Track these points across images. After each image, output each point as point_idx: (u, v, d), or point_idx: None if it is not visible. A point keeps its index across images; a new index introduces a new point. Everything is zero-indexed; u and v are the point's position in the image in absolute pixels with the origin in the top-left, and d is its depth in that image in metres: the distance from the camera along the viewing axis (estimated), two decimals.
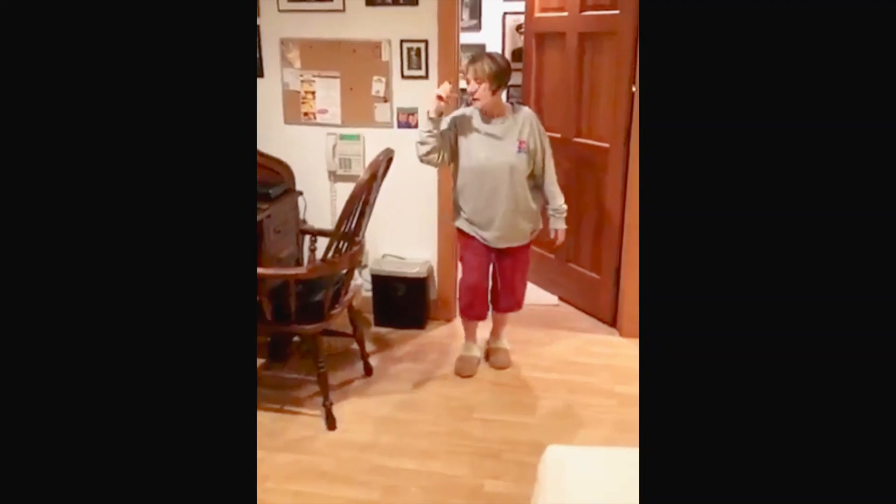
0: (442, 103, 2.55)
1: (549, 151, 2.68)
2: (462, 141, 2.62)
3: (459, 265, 2.82)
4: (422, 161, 2.64)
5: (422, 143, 2.59)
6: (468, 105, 2.63)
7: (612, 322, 3.35)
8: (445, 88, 2.59)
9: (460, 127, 2.63)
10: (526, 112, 2.65)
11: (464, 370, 2.90)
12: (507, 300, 2.89)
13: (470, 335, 2.98)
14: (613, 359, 3.05)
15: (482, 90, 2.52)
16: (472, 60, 2.55)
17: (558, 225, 2.73)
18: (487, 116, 2.60)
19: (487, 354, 3.03)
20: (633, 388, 2.77)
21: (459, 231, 2.79)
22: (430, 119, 2.57)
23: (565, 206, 2.72)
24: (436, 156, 2.60)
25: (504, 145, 2.58)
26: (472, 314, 2.84)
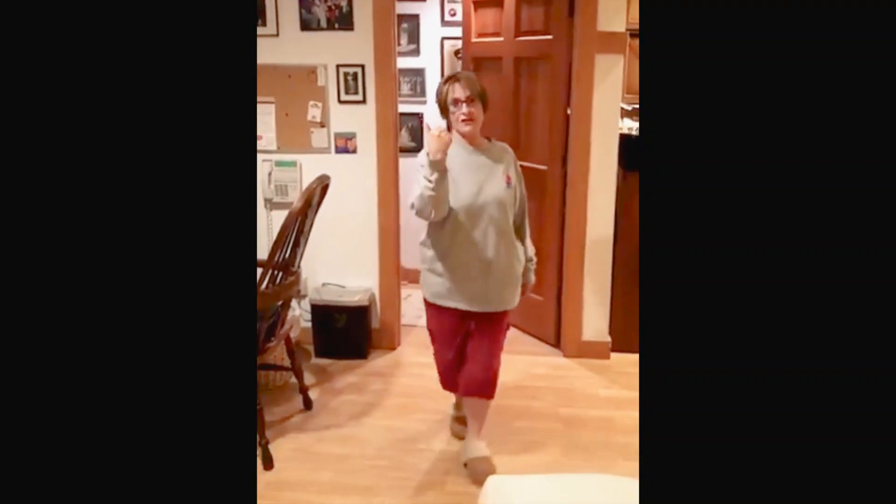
0: (447, 136, 2.03)
1: (524, 193, 2.34)
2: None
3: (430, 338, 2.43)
4: (423, 217, 2.14)
5: (429, 195, 2.04)
6: (447, 129, 2.14)
7: (556, 343, 3.36)
8: (439, 127, 2.08)
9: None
10: (505, 146, 2.31)
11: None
12: (474, 378, 2.27)
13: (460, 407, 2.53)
14: (557, 381, 3.04)
15: (477, 110, 2.14)
16: (455, 78, 2.15)
17: (531, 278, 2.37)
18: (471, 146, 2.21)
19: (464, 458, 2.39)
20: (578, 411, 2.77)
21: (427, 303, 2.33)
22: (434, 161, 2.00)
23: (535, 258, 2.39)
24: (445, 205, 2.11)
25: (493, 177, 2.18)
26: (454, 389, 2.44)
